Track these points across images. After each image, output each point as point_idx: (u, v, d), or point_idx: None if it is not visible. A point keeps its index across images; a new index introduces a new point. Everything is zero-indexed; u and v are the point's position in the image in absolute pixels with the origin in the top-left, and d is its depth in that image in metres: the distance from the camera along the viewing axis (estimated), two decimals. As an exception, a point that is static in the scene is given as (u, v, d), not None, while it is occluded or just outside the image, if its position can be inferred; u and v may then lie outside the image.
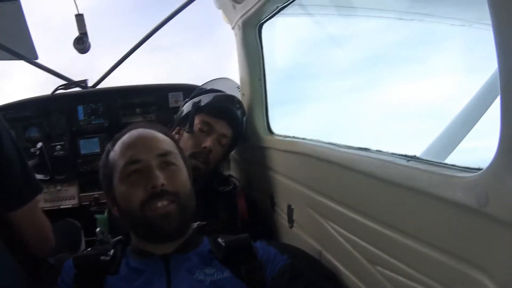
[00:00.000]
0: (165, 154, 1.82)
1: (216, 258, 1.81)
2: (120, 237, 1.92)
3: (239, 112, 2.83)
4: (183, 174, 1.87)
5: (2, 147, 1.79)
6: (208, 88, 3.07)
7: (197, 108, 2.75)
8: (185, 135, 2.73)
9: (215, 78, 3.24)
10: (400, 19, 3.31)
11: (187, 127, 2.73)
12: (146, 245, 1.82)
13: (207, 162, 2.68)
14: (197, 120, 2.74)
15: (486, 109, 3.13)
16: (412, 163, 1.36)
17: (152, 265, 1.76)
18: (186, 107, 2.87)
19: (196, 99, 2.82)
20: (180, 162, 1.89)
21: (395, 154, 1.52)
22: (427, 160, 1.34)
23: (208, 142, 2.67)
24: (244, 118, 2.89)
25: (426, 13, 3.28)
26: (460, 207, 1.13)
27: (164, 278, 1.71)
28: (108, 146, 1.93)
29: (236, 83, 3.22)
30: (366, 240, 1.64)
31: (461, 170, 1.17)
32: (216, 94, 2.86)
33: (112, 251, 1.82)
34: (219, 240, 1.86)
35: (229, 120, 2.78)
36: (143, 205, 1.71)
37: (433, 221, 1.26)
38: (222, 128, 2.75)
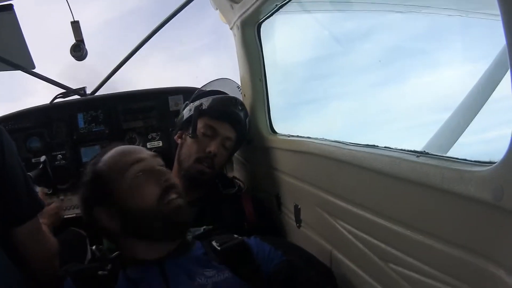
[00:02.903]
0: (156, 156, 1.90)
1: (213, 258, 1.84)
2: (118, 252, 1.92)
3: (242, 114, 2.80)
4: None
5: (5, 163, 1.77)
6: (208, 89, 3.04)
7: (199, 112, 2.73)
8: (188, 139, 2.72)
9: (214, 79, 3.21)
10: (399, 12, 3.30)
11: (190, 131, 2.71)
12: (139, 250, 1.82)
13: (212, 166, 2.67)
14: (200, 124, 2.72)
15: (486, 100, 3.12)
16: (422, 159, 1.35)
17: (149, 273, 1.77)
18: (187, 111, 2.84)
19: (197, 103, 2.80)
20: None
21: (404, 150, 1.50)
22: (437, 155, 1.33)
23: (212, 147, 2.65)
24: (247, 120, 2.87)
25: (422, 5, 3.28)
26: (474, 201, 1.12)
27: (163, 285, 1.73)
28: (90, 163, 1.94)
29: (236, 83, 3.19)
30: (378, 238, 1.63)
31: (473, 164, 1.16)
32: (218, 96, 2.83)
33: (109, 265, 1.83)
34: (214, 243, 1.89)
35: (233, 123, 2.76)
36: (160, 199, 1.75)
37: (446, 216, 1.25)
38: (226, 131, 2.73)
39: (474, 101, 3.12)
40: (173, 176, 1.94)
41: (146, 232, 1.82)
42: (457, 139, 3.04)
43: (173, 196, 1.77)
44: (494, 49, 3.00)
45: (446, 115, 3.11)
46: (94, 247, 2.06)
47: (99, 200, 1.86)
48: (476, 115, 3.09)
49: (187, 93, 3.39)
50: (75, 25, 3.45)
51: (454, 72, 3.19)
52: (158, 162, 1.86)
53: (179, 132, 2.84)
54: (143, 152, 1.88)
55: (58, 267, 2.00)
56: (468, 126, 3.11)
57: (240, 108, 2.80)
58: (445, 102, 3.14)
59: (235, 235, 1.99)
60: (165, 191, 1.76)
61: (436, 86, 3.07)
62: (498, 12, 0.96)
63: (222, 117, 2.73)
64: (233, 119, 2.76)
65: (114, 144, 1.98)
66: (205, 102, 2.77)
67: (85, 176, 1.93)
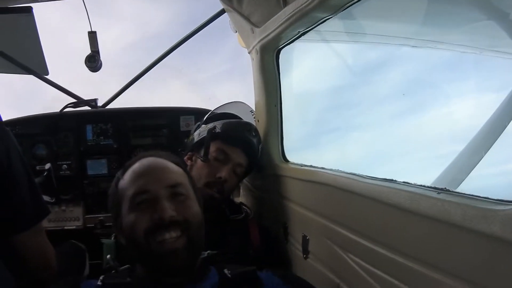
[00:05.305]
0: (174, 186, 1.79)
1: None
2: (128, 265, 1.88)
3: (255, 140, 2.76)
4: (194, 204, 1.83)
5: (11, 166, 1.75)
6: (220, 112, 3.01)
7: (212, 135, 2.69)
8: (199, 162, 2.68)
9: (228, 102, 3.18)
10: (415, 46, 3.32)
11: (201, 154, 2.68)
12: (153, 276, 1.77)
13: (222, 192, 2.62)
14: (212, 148, 2.68)
15: (499, 136, 3.11)
16: (443, 196, 1.33)
17: None
18: (199, 133, 2.81)
19: (210, 125, 2.77)
20: (190, 193, 1.85)
21: (424, 186, 1.49)
22: (458, 193, 1.31)
23: (223, 173, 2.61)
24: (260, 146, 2.83)
25: (437, 41, 3.30)
26: (497, 240, 1.10)
27: None
28: (118, 174, 1.89)
29: (249, 107, 3.15)
30: (391, 274, 1.58)
31: (496, 203, 1.15)
32: (232, 121, 2.82)
33: (128, 279, 1.79)
34: (226, 271, 1.83)
35: (246, 149, 2.72)
36: (148, 233, 1.68)
37: (467, 254, 1.21)
38: (238, 157, 2.69)
39: (488, 134, 3.12)
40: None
41: (142, 264, 1.80)
42: (470, 172, 3.02)
43: (168, 236, 1.67)
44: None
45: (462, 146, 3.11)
46: (108, 256, 2.00)
47: (114, 214, 1.86)
48: (489, 148, 3.08)
49: (199, 114, 3.38)
50: (92, 36, 3.45)
51: (470, 104, 3.20)
52: (171, 192, 1.76)
53: (189, 153, 2.80)
54: (158, 178, 1.79)
55: (55, 277, 1.97)
56: (481, 159, 3.09)
57: (254, 134, 2.77)
58: (462, 133, 3.13)
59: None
60: (155, 228, 1.67)
61: (455, 118, 3.06)
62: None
63: (235, 143, 2.69)
64: (247, 145, 2.72)
65: (149, 153, 1.95)
66: (219, 125, 2.74)
67: (111, 185, 1.91)
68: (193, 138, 2.83)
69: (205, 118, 2.93)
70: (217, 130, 2.71)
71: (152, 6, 5.25)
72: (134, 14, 5.53)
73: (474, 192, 1.26)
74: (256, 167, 2.89)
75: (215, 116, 2.92)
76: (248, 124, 2.81)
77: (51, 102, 4.09)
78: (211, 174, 2.62)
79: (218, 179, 2.60)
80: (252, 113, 3.13)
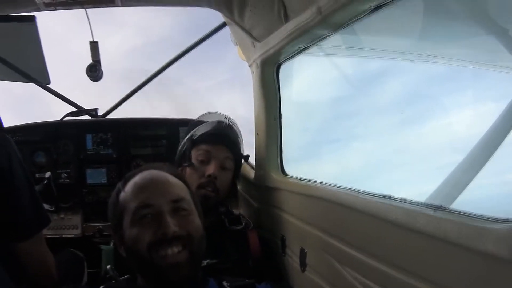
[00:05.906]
0: (177, 200, 1.81)
1: None
2: (127, 276, 1.91)
3: (230, 133, 2.85)
4: (196, 219, 1.85)
5: (12, 172, 1.76)
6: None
7: (192, 142, 2.79)
8: (187, 170, 2.74)
9: (203, 113, 3.23)
10: (414, 60, 3.35)
11: (186, 162, 2.74)
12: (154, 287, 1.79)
13: (216, 189, 2.68)
14: (195, 154, 2.76)
15: (495, 151, 3.13)
16: (439, 213, 1.35)
17: None
18: (182, 147, 2.90)
19: (189, 135, 2.85)
20: (191, 207, 1.86)
21: (420, 203, 1.50)
22: (454, 211, 1.33)
23: (211, 169, 2.67)
24: (239, 138, 2.92)
25: (434, 55, 3.33)
26: (491, 258, 1.11)
27: None
28: (119, 185, 1.91)
29: (224, 115, 3.19)
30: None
31: (490, 221, 1.16)
32: (205, 123, 2.89)
33: None
34: (225, 283, 1.86)
35: (225, 143, 2.79)
36: (151, 247, 1.69)
37: (462, 271, 1.23)
38: (221, 152, 2.76)
39: (484, 148, 3.13)
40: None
41: (143, 276, 1.81)
42: (465, 187, 3.04)
43: (170, 251, 1.69)
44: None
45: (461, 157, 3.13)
46: (109, 267, 2.03)
47: (114, 226, 1.86)
48: (485, 163, 3.10)
49: (198, 126, 3.40)
50: (94, 45, 3.45)
51: (468, 115, 3.23)
52: (174, 207, 1.78)
53: (179, 168, 2.84)
54: (160, 192, 1.80)
55: (55, 285, 1.98)
56: (477, 174, 3.11)
57: (229, 128, 2.86)
58: (462, 144, 3.16)
59: (247, 280, 1.95)
60: (158, 243, 1.69)
61: (455, 129, 3.09)
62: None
63: (213, 140, 2.77)
64: (224, 139, 2.80)
65: (150, 166, 1.97)
66: (196, 132, 2.83)
67: (112, 196, 1.92)
68: (180, 152, 2.91)
69: (186, 134, 2.98)
70: (195, 136, 2.80)
71: (154, 14, 5.27)
72: (136, 21, 5.55)
73: (470, 203, 1.28)
74: (243, 158, 2.94)
75: (192, 126, 2.97)
76: (220, 122, 2.88)
77: (52, 106, 4.12)
78: (200, 176, 2.69)
79: (208, 178, 2.66)
80: (226, 119, 3.16)
